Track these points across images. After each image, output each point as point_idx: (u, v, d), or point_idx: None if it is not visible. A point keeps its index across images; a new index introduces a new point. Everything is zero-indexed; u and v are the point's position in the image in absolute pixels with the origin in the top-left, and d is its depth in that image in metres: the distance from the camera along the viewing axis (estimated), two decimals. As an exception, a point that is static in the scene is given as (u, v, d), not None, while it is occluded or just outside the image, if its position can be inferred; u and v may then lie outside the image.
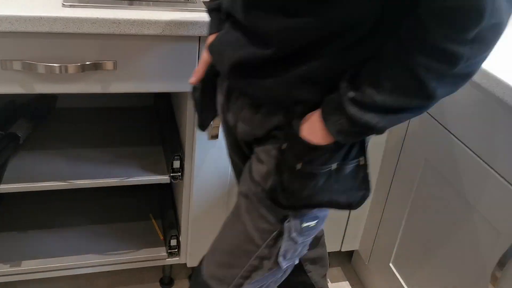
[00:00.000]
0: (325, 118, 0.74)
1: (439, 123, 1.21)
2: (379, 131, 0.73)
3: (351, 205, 0.84)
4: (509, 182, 1.02)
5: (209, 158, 1.32)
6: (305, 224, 0.87)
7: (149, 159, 1.42)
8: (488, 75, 1.02)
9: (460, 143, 1.15)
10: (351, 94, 0.71)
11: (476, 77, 1.05)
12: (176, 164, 1.34)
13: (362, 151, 0.81)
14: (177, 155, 1.33)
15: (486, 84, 1.02)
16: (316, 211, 0.87)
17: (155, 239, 1.54)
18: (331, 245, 1.63)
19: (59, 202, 1.64)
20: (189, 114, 1.26)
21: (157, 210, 1.65)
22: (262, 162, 0.85)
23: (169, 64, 1.15)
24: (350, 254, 1.80)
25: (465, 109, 1.13)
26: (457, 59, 0.64)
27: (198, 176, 1.34)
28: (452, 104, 1.17)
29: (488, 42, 0.65)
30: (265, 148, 0.84)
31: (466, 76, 0.69)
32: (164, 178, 1.36)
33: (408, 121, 1.34)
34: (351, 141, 0.77)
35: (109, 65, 1.11)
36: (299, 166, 0.77)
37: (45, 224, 1.55)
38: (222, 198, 1.40)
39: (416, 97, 0.69)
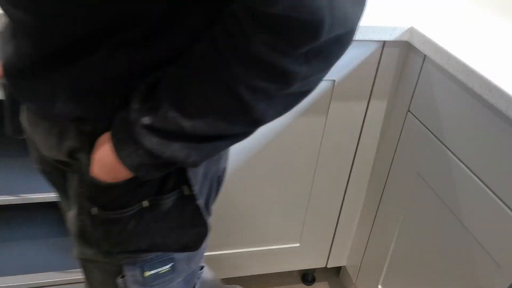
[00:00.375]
0: (118, 149, 0.55)
1: (434, 135, 1.08)
2: (191, 165, 0.56)
3: (187, 247, 0.67)
4: (510, 208, 0.88)
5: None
6: (150, 272, 0.70)
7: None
8: (490, 86, 0.88)
9: (457, 159, 1.01)
10: (146, 120, 0.52)
11: (476, 87, 0.91)
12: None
13: (184, 178, 0.62)
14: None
15: (488, 95, 0.89)
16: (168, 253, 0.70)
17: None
18: (316, 261, 1.51)
19: (12, 212, 1.51)
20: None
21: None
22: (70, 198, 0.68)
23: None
24: (338, 269, 1.67)
25: (463, 121, 0.99)
26: (291, 77, 0.49)
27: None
28: (449, 115, 1.03)
29: (330, 56, 0.50)
30: (71, 178, 0.67)
31: (302, 95, 0.54)
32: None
33: (399, 131, 1.20)
34: (158, 175, 0.58)
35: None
36: (94, 211, 0.60)
37: None
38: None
39: (239, 122, 0.53)
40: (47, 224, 1.48)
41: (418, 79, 1.13)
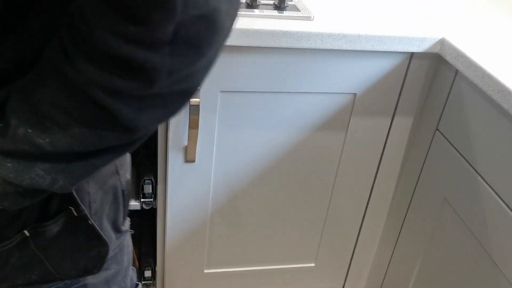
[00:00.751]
0: None
1: (464, 158, 0.98)
2: (61, 191, 0.47)
3: (87, 270, 0.60)
4: (549, 249, 0.78)
5: (185, 183, 1.12)
6: None
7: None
8: (529, 110, 0.78)
9: (487, 186, 0.91)
10: None
11: (512, 110, 0.81)
12: (148, 189, 1.15)
13: (69, 198, 0.55)
14: (148, 179, 1.14)
15: (526, 120, 0.79)
16: (79, 279, 0.63)
17: (130, 266, 1.36)
18: (333, 282, 1.42)
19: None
20: (160, 133, 1.06)
21: (137, 234, 1.46)
22: None
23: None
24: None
25: (497, 146, 0.89)
26: (152, 72, 0.40)
27: (173, 203, 1.14)
28: (481, 138, 0.93)
29: (199, 43, 0.40)
30: None
31: (183, 95, 0.45)
32: (134, 204, 1.17)
33: (426, 150, 1.10)
34: (30, 203, 0.49)
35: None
36: None
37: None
38: (201, 227, 1.21)
39: (108, 132, 0.43)
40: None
41: (448, 96, 1.03)
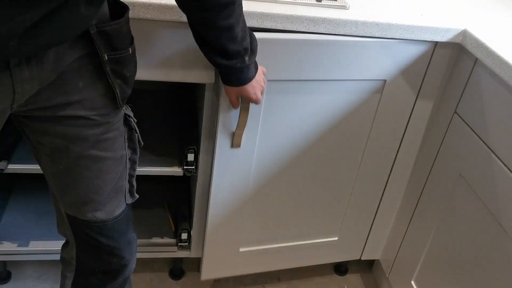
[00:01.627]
0: None
1: (480, 137, 1.09)
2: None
3: None
4: (552, 216, 0.89)
5: (230, 168, 1.22)
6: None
7: (163, 148, 1.35)
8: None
9: (502, 164, 1.02)
10: None
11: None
12: (190, 157, 1.26)
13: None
14: (191, 148, 1.26)
15: (537, 102, 0.90)
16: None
17: (167, 230, 1.48)
18: (352, 253, 1.54)
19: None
20: (206, 107, 1.18)
21: (173, 200, 1.59)
22: None
23: (188, 53, 1.07)
24: (371, 262, 1.70)
25: (511, 127, 1.00)
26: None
27: (216, 188, 1.24)
28: (496, 120, 1.04)
29: None
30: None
31: None
32: (177, 171, 1.29)
33: (444, 131, 1.21)
34: None
35: (122, 49, 1.04)
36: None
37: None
38: (239, 209, 1.31)
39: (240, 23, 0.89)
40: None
41: (467, 82, 1.14)
